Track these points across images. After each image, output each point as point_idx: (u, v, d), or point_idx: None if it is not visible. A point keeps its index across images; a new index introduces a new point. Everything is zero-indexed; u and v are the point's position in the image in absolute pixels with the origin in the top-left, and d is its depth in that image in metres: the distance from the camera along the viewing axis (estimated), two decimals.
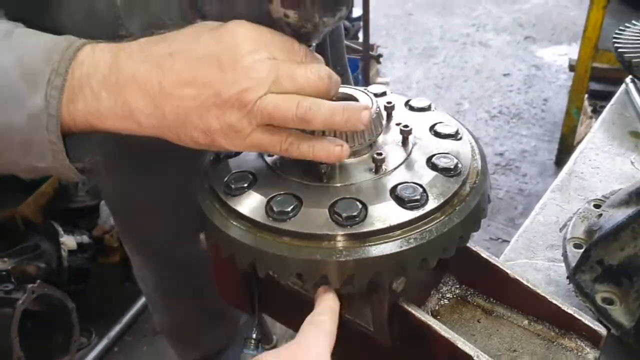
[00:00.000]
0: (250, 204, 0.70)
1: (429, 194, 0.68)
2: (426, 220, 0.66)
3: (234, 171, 0.74)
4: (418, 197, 0.67)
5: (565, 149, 3.31)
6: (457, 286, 0.85)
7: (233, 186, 0.72)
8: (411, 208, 0.66)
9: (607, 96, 1.84)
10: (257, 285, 0.85)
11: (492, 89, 4.28)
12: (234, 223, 0.69)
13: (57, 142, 0.69)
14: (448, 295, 0.84)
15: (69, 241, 2.80)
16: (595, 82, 3.18)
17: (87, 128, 0.71)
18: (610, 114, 1.50)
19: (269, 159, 0.76)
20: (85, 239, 2.89)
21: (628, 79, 1.58)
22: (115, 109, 0.68)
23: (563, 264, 1.07)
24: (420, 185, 0.68)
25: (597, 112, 2.87)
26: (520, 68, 4.55)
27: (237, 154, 0.78)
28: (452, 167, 0.71)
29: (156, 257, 1.45)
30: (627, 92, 1.56)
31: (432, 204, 0.67)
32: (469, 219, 0.69)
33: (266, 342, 1.99)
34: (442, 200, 0.68)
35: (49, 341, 2.48)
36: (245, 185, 0.72)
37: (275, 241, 0.66)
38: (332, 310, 0.67)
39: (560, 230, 1.14)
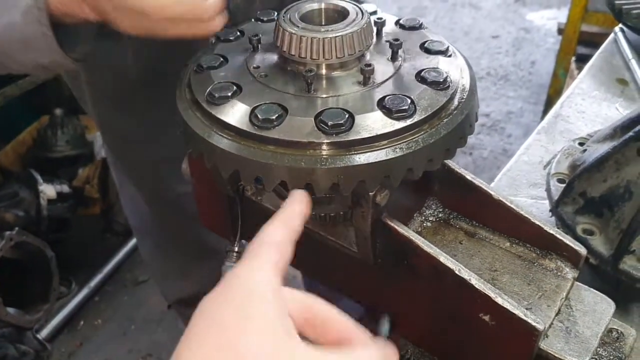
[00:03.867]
0: (234, 112, 0.68)
1: (417, 106, 0.67)
2: (413, 130, 0.66)
3: (216, 81, 0.72)
4: (406, 107, 0.66)
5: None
6: (441, 210, 0.84)
7: (216, 95, 0.69)
8: (398, 118, 0.65)
9: None
10: (240, 205, 0.84)
11: (480, 50, 4.25)
12: (217, 132, 0.68)
13: (48, 33, 0.80)
14: (431, 219, 0.84)
15: (48, 190, 2.75)
16: (582, 46, 3.19)
17: (70, 15, 0.81)
18: (599, 61, 1.49)
19: (254, 71, 0.74)
20: (65, 188, 2.84)
21: (617, 28, 1.58)
22: None
23: (546, 202, 1.07)
24: (409, 97, 0.67)
25: None
26: (510, 31, 4.51)
27: (220, 65, 0.75)
28: (441, 80, 0.70)
29: (147, 188, 1.44)
30: (615, 40, 1.55)
31: (419, 115, 0.66)
32: (456, 132, 0.68)
33: None
34: (429, 112, 0.66)
35: (28, 290, 2.46)
36: (229, 94, 0.70)
37: (260, 149, 0.65)
38: (298, 212, 0.62)
39: (545, 167, 1.15)
